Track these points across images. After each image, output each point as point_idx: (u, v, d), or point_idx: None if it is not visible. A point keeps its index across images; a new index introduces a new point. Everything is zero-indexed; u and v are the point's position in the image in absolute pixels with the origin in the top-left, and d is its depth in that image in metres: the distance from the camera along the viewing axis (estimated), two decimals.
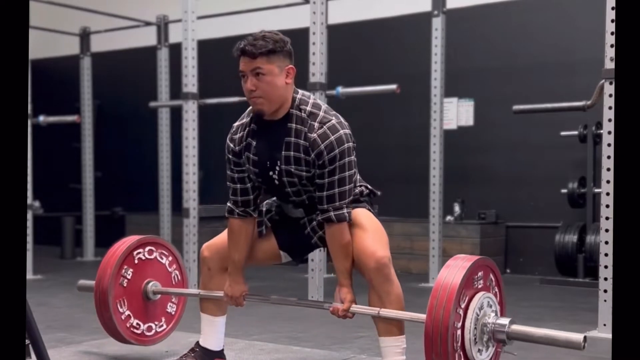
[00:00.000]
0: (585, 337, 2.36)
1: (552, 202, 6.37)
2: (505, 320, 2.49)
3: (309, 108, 2.67)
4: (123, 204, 8.77)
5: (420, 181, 6.44)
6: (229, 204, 2.84)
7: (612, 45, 3.82)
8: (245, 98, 2.73)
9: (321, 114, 2.66)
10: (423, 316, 2.43)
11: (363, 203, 2.85)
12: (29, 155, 5.95)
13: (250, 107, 2.74)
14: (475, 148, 6.85)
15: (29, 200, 6.53)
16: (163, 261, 3.33)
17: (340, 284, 2.71)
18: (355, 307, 2.69)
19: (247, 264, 2.95)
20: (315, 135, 2.62)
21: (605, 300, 3.84)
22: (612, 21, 3.79)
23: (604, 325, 3.85)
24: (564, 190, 6.05)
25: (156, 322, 3.30)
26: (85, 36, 7.90)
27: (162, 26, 7.40)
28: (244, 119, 2.80)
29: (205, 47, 6.27)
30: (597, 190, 5.70)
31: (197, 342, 3.02)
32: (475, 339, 2.42)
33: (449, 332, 2.32)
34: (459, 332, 2.39)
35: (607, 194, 3.86)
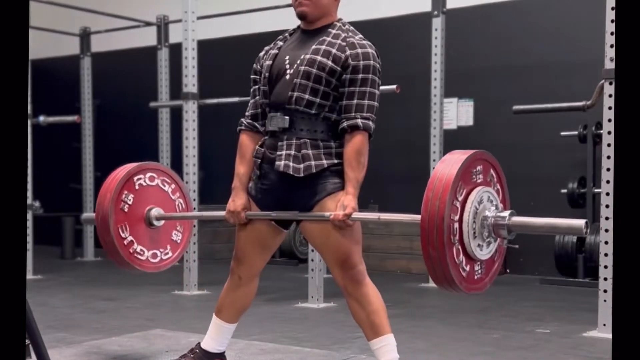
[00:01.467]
0: (587, 222, 2.29)
1: (552, 202, 6.37)
2: (505, 213, 2.40)
3: (350, 28, 2.75)
4: None
5: (420, 181, 6.41)
6: (242, 119, 2.88)
7: (612, 45, 3.82)
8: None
9: (359, 37, 2.71)
10: (419, 217, 2.34)
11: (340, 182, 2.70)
12: (29, 155, 5.95)
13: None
14: (475, 148, 6.79)
15: (29, 200, 6.53)
16: (165, 188, 3.23)
17: (347, 191, 2.63)
18: (356, 215, 2.60)
19: (265, 261, 2.90)
20: (355, 40, 2.66)
21: (605, 300, 3.84)
22: (612, 21, 3.79)
23: (604, 325, 3.85)
24: (564, 190, 6.05)
25: (161, 250, 3.19)
26: (85, 36, 7.90)
27: (162, 26, 7.40)
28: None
29: (205, 47, 6.27)
30: (597, 190, 5.70)
31: (198, 344, 3.00)
32: (474, 233, 2.33)
33: (444, 223, 2.24)
34: (456, 224, 2.30)
35: (607, 194, 3.87)
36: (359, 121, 2.63)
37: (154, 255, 3.17)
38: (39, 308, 4.61)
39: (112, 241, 3.03)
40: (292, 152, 2.67)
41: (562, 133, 6.16)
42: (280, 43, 2.82)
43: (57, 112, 7.53)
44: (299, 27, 2.83)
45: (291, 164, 2.66)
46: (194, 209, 5.49)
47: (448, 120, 6.79)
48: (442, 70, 5.86)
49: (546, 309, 4.86)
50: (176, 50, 6.33)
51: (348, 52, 2.64)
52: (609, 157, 3.85)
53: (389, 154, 7.20)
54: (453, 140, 6.56)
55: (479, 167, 2.42)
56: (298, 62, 2.69)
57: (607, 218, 3.85)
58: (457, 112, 6.96)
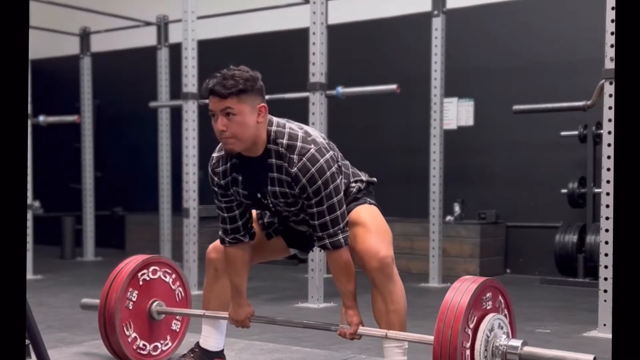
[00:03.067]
0: (595, 358, 2.32)
1: (552, 202, 6.37)
2: (517, 342, 2.45)
3: (285, 141, 2.60)
4: (123, 204, 8.77)
5: (420, 181, 6.44)
6: (220, 232, 2.81)
7: (612, 45, 3.82)
8: None
9: (299, 144, 2.59)
10: (431, 337, 2.40)
11: (362, 199, 2.81)
12: (29, 155, 5.95)
13: None
14: (475, 148, 6.85)
15: (29, 200, 6.53)
16: (166, 279, 3.31)
17: (346, 306, 2.70)
18: (362, 330, 2.68)
19: (255, 262, 2.95)
20: (295, 169, 2.56)
21: (605, 300, 3.84)
22: (612, 21, 3.79)
23: (604, 325, 3.85)
24: (564, 190, 6.05)
25: (161, 341, 3.27)
26: (85, 36, 7.90)
27: (162, 26, 7.40)
28: (222, 151, 2.74)
29: (205, 47, 6.27)
30: (597, 190, 5.70)
31: (197, 343, 3.01)
32: None
33: (457, 352, 2.30)
34: (467, 352, 2.36)
35: (607, 194, 3.87)
36: (327, 242, 2.63)
37: (155, 348, 3.25)
38: (39, 308, 4.61)
39: (118, 340, 3.10)
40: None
41: (562, 133, 6.15)
42: (235, 174, 2.70)
43: (57, 112, 7.53)
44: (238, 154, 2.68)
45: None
46: (194, 209, 5.49)
47: (448, 120, 6.78)
48: (442, 70, 5.86)
49: (546, 309, 4.86)
50: (176, 50, 6.33)
51: (297, 188, 2.59)
52: (609, 157, 3.85)
53: (389, 154, 7.20)
54: (453, 140, 6.56)
55: (488, 294, 2.49)
56: (267, 196, 2.68)
57: (607, 218, 3.85)
58: (457, 112, 6.96)
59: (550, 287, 5.86)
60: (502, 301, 2.57)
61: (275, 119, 2.66)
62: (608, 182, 3.86)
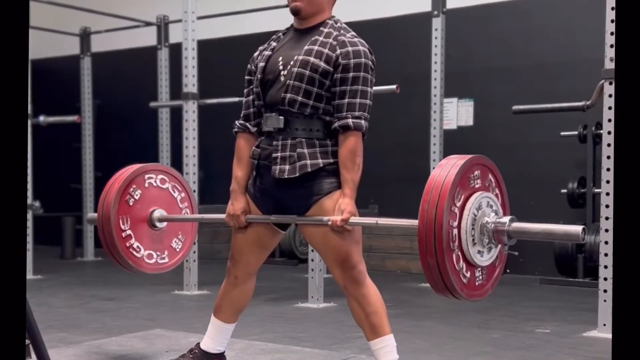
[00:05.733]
0: (584, 229, 2.25)
1: (552, 202, 6.37)
2: (505, 219, 2.35)
3: (343, 25, 2.73)
4: None
5: (420, 181, 6.41)
6: (235, 122, 2.87)
7: (612, 45, 3.82)
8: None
9: (352, 34, 2.70)
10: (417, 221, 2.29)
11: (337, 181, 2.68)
12: (29, 155, 5.95)
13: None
14: (475, 148, 6.80)
15: (29, 200, 6.53)
16: (175, 195, 3.20)
17: (344, 194, 2.62)
18: (353, 219, 2.58)
19: (261, 260, 2.90)
20: (346, 39, 2.64)
21: (605, 300, 3.84)
22: (612, 21, 3.79)
23: (604, 325, 3.85)
24: (564, 190, 6.05)
25: (158, 253, 3.14)
26: (85, 36, 7.90)
27: (162, 26, 7.40)
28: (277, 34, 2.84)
29: (205, 47, 6.27)
30: (597, 190, 5.70)
31: (197, 344, 3.00)
32: (473, 239, 2.30)
33: (443, 230, 2.19)
34: (455, 231, 2.25)
35: (607, 194, 3.87)
36: (350, 121, 2.61)
37: (150, 256, 3.12)
38: (39, 308, 4.61)
39: (111, 231, 2.98)
40: (287, 153, 2.66)
41: (562, 133, 6.15)
42: (274, 44, 2.79)
43: (57, 112, 7.53)
44: (292, 25, 2.81)
45: (286, 166, 2.65)
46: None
47: (448, 120, 6.79)
48: (442, 70, 5.86)
49: (546, 309, 4.86)
50: (176, 50, 6.33)
51: (338, 51, 2.62)
52: (609, 157, 3.85)
53: (389, 154, 7.20)
54: (453, 140, 6.56)
55: (476, 172, 2.38)
56: (292, 63, 2.66)
57: (607, 218, 3.85)
58: (457, 112, 6.96)
59: (550, 287, 5.87)
60: (493, 180, 2.46)
61: None
62: (608, 182, 3.86)
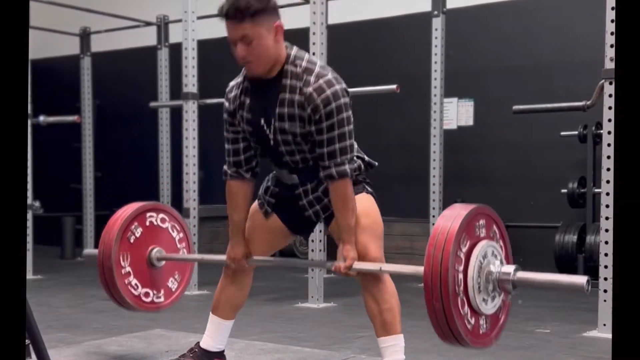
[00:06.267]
0: (588, 280, 2.29)
1: (552, 202, 6.37)
2: (510, 268, 2.38)
3: (304, 64, 2.61)
4: (123, 204, 8.73)
5: (420, 181, 6.44)
6: (224, 166, 2.82)
7: (612, 45, 3.82)
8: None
9: (317, 69, 2.59)
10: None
11: (361, 185, 2.76)
12: (29, 155, 5.95)
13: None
14: (475, 148, 6.85)
15: (29, 200, 6.53)
16: (174, 234, 3.25)
17: (343, 240, 2.64)
18: (357, 265, 2.61)
19: (268, 252, 2.94)
20: (311, 89, 2.55)
21: (605, 300, 3.84)
22: (612, 21, 3.80)
23: (604, 325, 3.86)
24: (564, 190, 6.05)
25: (155, 291, 3.19)
26: (85, 36, 7.90)
27: (162, 26, 7.40)
28: (239, 77, 2.75)
29: (205, 47, 6.27)
30: (597, 190, 5.70)
31: (197, 343, 3.00)
32: (479, 287, 2.32)
33: (449, 274, 2.21)
34: (460, 275, 2.27)
35: (607, 194, 3.87)
36: (333, 171, 2.59)
37: (147, 295, 3.18)
38: (39, 308, 4.61)
39: (111, 267, 3.05)
40: (311, 198, 2.76)
41: (562, 133, 6.15)
42: (244, 97, 2.70)
43: (57, 112, 7.52)
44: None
45: (317, 207, 2.74)
46: (194, 209, 5.49)
47: (448, 120, 6.79)
48: (442, 70, 5.86)
49: (546, 309, 4.86)
50: (176, 50, 6.33)
51: (308, 109, 2.55)
52: (609, 157, 3.85)
53: (389, 154, 7.19)
54: (453, 140, 6.56)
55: (481, 221, 2.41)
56: (273, 127, 2.63)
57: (607, 218, 3.85)
58: (457, 112, 6.96)
59: None
60: (497, 231, 2.48)
61: (295, 47, 2.69)
62: (608, 182, 3.86)
